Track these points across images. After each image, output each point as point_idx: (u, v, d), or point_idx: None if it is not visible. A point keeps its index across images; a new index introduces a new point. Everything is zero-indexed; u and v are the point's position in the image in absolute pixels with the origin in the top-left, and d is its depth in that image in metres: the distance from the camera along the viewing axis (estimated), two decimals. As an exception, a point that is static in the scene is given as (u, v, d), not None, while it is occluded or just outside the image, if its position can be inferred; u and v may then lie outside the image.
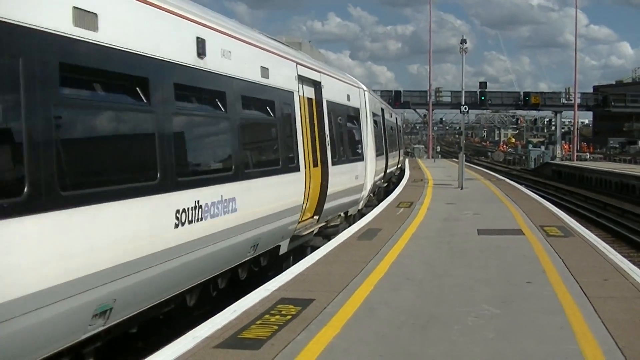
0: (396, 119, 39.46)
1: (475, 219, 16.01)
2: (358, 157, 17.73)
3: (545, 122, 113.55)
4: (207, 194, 7.83)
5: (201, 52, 7.97)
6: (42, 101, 5.21)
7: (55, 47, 5.40)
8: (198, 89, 8.25)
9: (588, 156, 69.23)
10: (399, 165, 37.02)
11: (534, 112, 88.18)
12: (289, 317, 7.17)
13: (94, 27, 5.88)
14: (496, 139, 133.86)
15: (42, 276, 5.10)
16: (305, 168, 12.17)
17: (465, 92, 31.21)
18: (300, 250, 12.94)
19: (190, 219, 7.35)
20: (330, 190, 13.70)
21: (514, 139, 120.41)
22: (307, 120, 12.86)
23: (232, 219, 8.51)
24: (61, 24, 5.48)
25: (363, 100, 19.56)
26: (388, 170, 27.45)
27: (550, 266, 9.93)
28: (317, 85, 13.79)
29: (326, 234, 14.78)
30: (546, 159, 65.86)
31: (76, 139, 5.90)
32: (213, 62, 8.30)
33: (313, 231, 13.23)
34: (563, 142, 75.56)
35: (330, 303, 7.78)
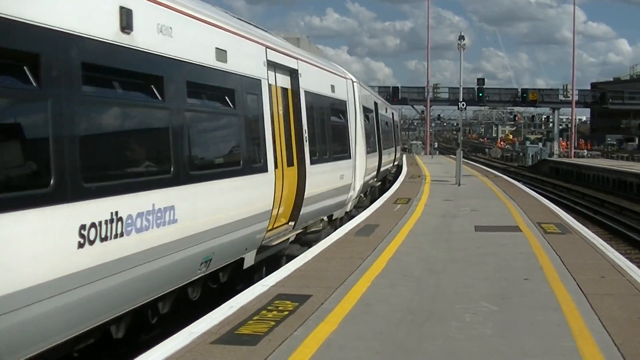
0: (392, 114, 37.80)
1: (473, 215, 16.01)
2: (344, 154, 16.15)
3: (543, 119, 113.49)
4: (130, 203, 6.33)
5: (126, 25, 6.43)
6: None
7: None
8: (119, 72, 6.60)
9: (585, 153, 69.30)
10: (396, 163, 36.40)
11: (531, 109, 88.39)
12: (286, 313, 7.17)
13: None
14: (494, 135, 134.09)
15: None
16: (277, 168, 10.65)
17: (463, 88, 31.16)
18: (274, 260, 11.63)
19: (103, 235, 5.89)
20: (308, 193, 12.17)
21: (511, 136, 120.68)
22: (281, 113, 11.41)
23: (169, 233, 7.03)
24: None
25: (351, 92, 17.84)
26: (382, 169, 26.00)
27: (547, 263, 9.94)
28: (293, 74, 12.21)
29: (306, 241, 13.39)
30: (544, 156, 65.94)
31: None
32: (144, 39, 6.73)
33: (289, 239, 11.79)
34: (560, 139, 75.68)
35: (327, 299, 7.77)
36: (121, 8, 6.39)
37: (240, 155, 9.32)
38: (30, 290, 5.05)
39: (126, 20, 6.45)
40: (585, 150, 72.64)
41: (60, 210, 5.41)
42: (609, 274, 9.21)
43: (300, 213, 12.02)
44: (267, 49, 10.67)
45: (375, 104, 25.23)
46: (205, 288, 9.01)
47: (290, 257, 11.19)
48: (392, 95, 65.35)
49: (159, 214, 6.81)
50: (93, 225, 5.78)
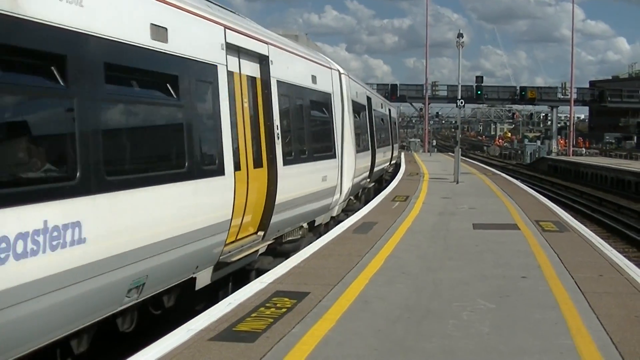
0: (389, 110, 36.12)
1: (471, 213, 16.02)
2: (327, 153, 14.45)
3: (542, 117, 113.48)
4: (6, 221, 4.90)
5: None
6: None
7: None
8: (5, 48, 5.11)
9: (584, 151, 69.37)
10: (392, 162, 35.59)
11: (530, 107, 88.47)
12: (284, 310, 7.17)
13: None
14: (492, 133, 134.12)
15: None
16: (239, 170, 9.15)
17: (462, 86, 31.18)
18: (243, 275, 10.24)
19: None
20: (281, 197, 10.58)
21: (510, 134, 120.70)
22: (246, 106, 9.84)
23: (73, 257, 5.57)
24: None
25: (337, 84, 16.03)
26: (376, 169, 24.30)
27: (545, 261, 9.94)
28: (263, 61, 10.55)
29: (283, 252, 11.80)
30: (542, 154, 65.96)
31: None
32: (37, 9, 5.32)
33: (257, 251, 10.30)
34: (559, 137, 75.82)
35: (325, 296, 7.78)
36: None
37: (186, 156, 7.66)
38: None
39: None
40: (584, 148, 72.71)
41: None
42: (607, 272, 9.21)
43: (272, 221, 10.43)
44: (227, 30, 9.04)
45: (369, 99, 23.48)
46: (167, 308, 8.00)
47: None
48: (391, 92, 65.35)
49: (55, 234, 5.33)
50: None
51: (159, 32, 7.15)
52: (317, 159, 13.44)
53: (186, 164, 7.63)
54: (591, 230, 14.50)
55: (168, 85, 7.48)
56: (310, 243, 11.78)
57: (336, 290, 8.11)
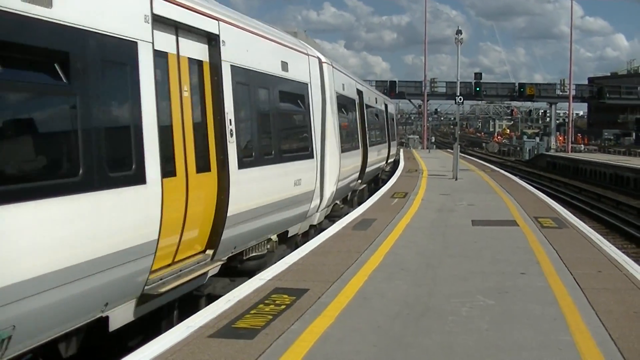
0: (385, 105, 33.02)
1: (470, 209, 16.03)
2: (302, 153, 12.55)
3: (540, 114, 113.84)
4: None
5: None
6: None
7: None
8: None
9: (583, 148, 69.40)
10: (390, 160, 34.31)
11: (528, 104, 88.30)
12: (283, 306, 7.17)
13: None
14: (491, 130, 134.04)
15: None
16: (175, 176, 7.53)
17: (461, 82, 31.21)
18: (192, 301, 8.65)
19: None
20: (235, 208, 8.79)
21: (508, 130, 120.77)
22: (186, 95, 8.03)
23: None
24: None
25: (316, 73, 13.98)
26: (369, 169, 22.06)
27: (544, 257, 9.95)
28: (213, 41, 8.66)
29: (244, 271, 9.91)
30: (541, 151, 65.99)
31: None
32: None
33: (206, 274, 8.47)
34: (558, 133, 75.80)
35: (324, 293, 7.78)
36: None
37: (77, 160, 5.81)
38: None
39: None
40: (582, 145, 72.76)
41: None
42: (606, 269, 9.22)
43: (224, 237, 8.66)
44: None
45: (360, 92, 21.17)
46: None
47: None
48: (390, 89, 65.37)
49: None
50: None
51: None
52: (288, 159, 11.48)
53: (80, 171, 5.79)
54: (590, 226, 14.51)
55: (55, 64, 5.68)
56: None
57: (335, 286, 8.12)
